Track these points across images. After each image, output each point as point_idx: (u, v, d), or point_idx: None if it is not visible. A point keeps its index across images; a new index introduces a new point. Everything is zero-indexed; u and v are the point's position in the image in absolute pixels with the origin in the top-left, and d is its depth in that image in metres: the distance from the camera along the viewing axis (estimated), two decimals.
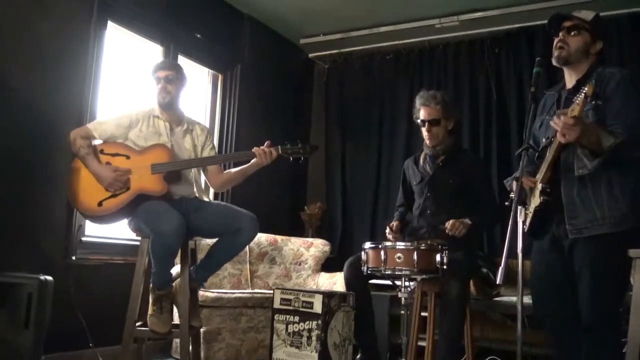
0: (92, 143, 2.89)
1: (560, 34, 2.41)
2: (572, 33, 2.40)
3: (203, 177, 3.13)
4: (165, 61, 3.13)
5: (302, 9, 4.64)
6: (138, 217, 2.79)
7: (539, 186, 2.37)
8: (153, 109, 3.00)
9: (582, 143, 2.17)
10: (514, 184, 2.48)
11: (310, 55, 5.37)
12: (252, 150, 2.91)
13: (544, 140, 2.49)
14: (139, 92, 3.99)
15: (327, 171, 5.29)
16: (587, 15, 2.41)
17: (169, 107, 2.99)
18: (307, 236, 4.80)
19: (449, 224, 2.99)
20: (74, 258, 3.30)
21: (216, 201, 3.15)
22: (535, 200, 2.39)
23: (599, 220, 2.25)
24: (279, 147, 2.92)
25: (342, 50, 5.19)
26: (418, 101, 3.28)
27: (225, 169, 3.24)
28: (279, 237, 4.33)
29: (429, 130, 3.20)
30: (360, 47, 5.11)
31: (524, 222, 2.39)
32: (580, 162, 2.24)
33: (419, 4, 4.45)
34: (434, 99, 3.22)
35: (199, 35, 4.30)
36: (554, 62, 2.45)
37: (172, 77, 2.97)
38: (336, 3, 4.51)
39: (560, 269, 2.40)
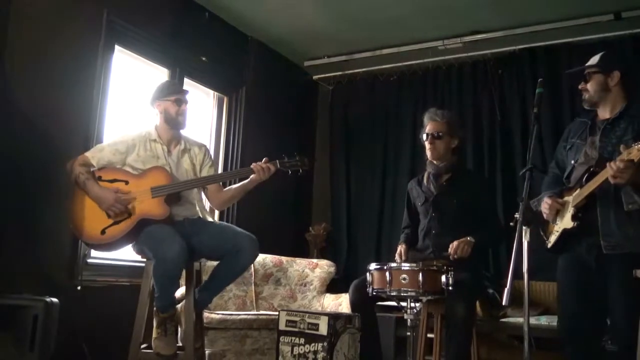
0: (90, 170, 2.89)
1: (580, 85, 2.69)
2: (587, 79, 2.66)
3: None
4: (177, 83, 3.15)
5: (306, 31, 4.70)
6: (141, 241, 2.79)
7: (571, 210, 2.50)
8: (149, 133, 3.01)
9: (636, 182, 2.31)
10: (542, 204, 2.64)
11: (315, 77, 5.41)
12: (251, 166, 2.92)
13: (572, 162, 2.64)
14: (145, 115, 4.02)
15: (331, 192, 5.30)
16: (594, 59, 2.66)
17: (184, 125, 3.04)
18: (312, 257, 4.79)
19: (452, 249, 2.99)
20: (79, 280, 3.30)
21: (218, 222, 3.15)
22: (566, 223, 2.53)
23: (632, 240, 2.38)
24: (277, 161, 2.93)
25: (346, 72, 5.23)
26: (426, 117, 3.33)
27: (225, 187, 3.24)
28: (284, 258, 4.32)
29: (431, 143, 3.22)
30: (364, 69, 5.15)
31: (528, 242, 2.39)
32: (630, 197, 2.38)
33: (422, 26, 4.50)
34: (440, 114, 3.29)
35: (204, 58, 4.35)
36: (585, 107, 2.71)
37: (188, 100, 3.03)
38: (340, 26, 4.56)
39: (588, 286, 2.51)
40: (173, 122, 3.01)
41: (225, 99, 4.74)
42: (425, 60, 4.86)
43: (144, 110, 3.97)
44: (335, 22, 4.50)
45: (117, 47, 3.70)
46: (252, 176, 2.93)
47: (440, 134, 3.22)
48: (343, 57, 5.08)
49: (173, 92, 3.03)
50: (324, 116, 5.53)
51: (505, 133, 4.56)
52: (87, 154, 2.94)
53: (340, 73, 5.27)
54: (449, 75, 4.88)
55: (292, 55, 5.18)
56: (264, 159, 2.92)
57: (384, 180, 5.05)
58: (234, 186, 3.08)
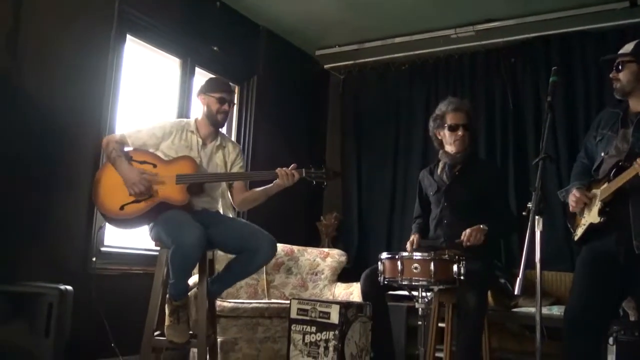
0: (124, 149, 2.95)
1: (611, 74, 2.60)
2: (619, 68, 2.57)
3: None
4: (226, 82, 3.15)
5: (317, 20, 4.68)
6: (159, 226, 2.81)
7: (598, 204, 2.46)
8: (188, 124, 3.06)
9: None
10: (570, 196, 2.60)
11: (326, 66, 5.40)
12: (276, 170, 2.92)
13: (602, 154, 2.57)
14: (156, 104, 4.04)
15: (343, 181, 5.30)
16: (628, 48, 2.57)
17: (223, 124, 3.08)
18: (323, 246, 4.81)
19: (465, 236, 2.97)
20: (93, 268, 3.34)
21: (238, 218, 3.18)
22: (593, 217, 2.49)
23: None
24: (303, 170, 2.93)
25: (358, 61, 5.21)
26: (448, 106, 3.24)
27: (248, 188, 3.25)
28: (295, 247, 4.34)
29: (462, 134, 3.18)
30: (376, 58, 5.13)
31: (541, 232, 2.38)
32: None
33: (434, 14, 4.46)
34: (465, 105, 3.27)
35: (215, 48, 4.35)
36: (617, 96, 2.63)
37: (234, 100, 3.07)
38: (351, 14, 4.54)
39: (607, 279, 2.46)
40: (212, 119, 3.04)
41: (237, 89, 4.73)
42: (438, 49, 4.83)
43: (156, 99, 4.01)
44: (347, 10, 4.47)
45: (128, 37, 3.71)
46: (275, 181, 2.94)
47: (469, 124, 3.20)
48: (354, 46, 5.06)
49: (219, 89, 3.05)
50: (335, 105, 5.52)
51: (518, 122, 4.53)
52: (125, 133, 3.00)
53: (351, 62, 5.25)
54: (461, 64, 4.84)
55: (303, 45, 5.17)
56: (291, 166, 2.92)
57: (395, 169, 5.04)
58: (257, 189, 3.09)
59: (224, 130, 4.51)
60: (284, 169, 2.91)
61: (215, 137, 3.11)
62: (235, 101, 3.12)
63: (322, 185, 2.99)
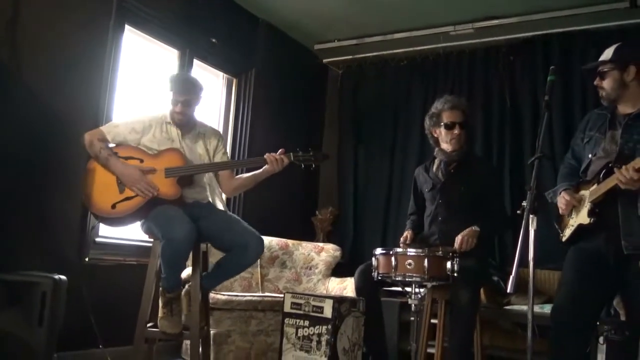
0: (108, 146, 2.92)
1: (595, 82, 2.60)
2: (601, 77, 2.57)
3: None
4: (186, 82, 3.01)
5: (316, 14, 4.67)
6: (150, 220, 2.81)
7: (588, 205, 2.46)
8: (165, 116, 3.01)
9: None
10: (559, 198, 2.60)
11: (325, 60, 5.39)
12: (264, 156, 2.93)
13: (590, 156, 2.57)
14: (154, 95, 4.03)
15: (339, 176, 5.30)
16: (608, 54, 2.56)
17: (182, 124, 3.01)
18: (318, 241, 4.81)
19: (457, 243, 2.98)
20: (87, 258, 3.34)
21: (229, 213, 3.17)
22: (582, 218, 2.48)
23: None
24: (291, 154, 2.94)
25: (356, 56, 5.20)
26: (445, 105, 3.25)
27: (237, 174, 3.26)
28: (290, 241, 4.34)
29: (459, 132, 3.19)
30: (374, 54, 5.12)
31: (535, 230, 2.39)
32: None
33: (434, 11, 4.45)
34: (462, 103, 3.27)
35: (214, 40, 4.33)
36: (604, 104, 2.63)
37: (191, 101, 2.97)
38: (351, 9, 4.53)
39: (596, 281, 2.46)
40: (171, 115, 2.99)
41: (235, 81, 4.73)
42: (437, 45, 4.81)
43: (154, 91, 4.00)
44: (346, 5, 4.46)
45: (127, 27, 3.69)
46: (265, 167, 2.95)
47: (465, 123, 3.20)
48: (353, 41, 5.04)
49: (173, 90, 2.95)
50: (333, 100, 5.51)
51: (515, 120, 4.53)
52: (103, 128, 2.97)
53: (350, 57, 5.24)
54: (460, 61, 4.83)
55: (302, 38, 5.15)
56: (279, 151, 2.93)
57: (391, 165, 5.04)
58: (245, 175, 3.09)
59: (222, 122, 4.60)
60: (272, 154, 2.92)
61: (193, 127, 3.07)
62: (191, 101, 2.95)
63: (311, 168, 2.99)
